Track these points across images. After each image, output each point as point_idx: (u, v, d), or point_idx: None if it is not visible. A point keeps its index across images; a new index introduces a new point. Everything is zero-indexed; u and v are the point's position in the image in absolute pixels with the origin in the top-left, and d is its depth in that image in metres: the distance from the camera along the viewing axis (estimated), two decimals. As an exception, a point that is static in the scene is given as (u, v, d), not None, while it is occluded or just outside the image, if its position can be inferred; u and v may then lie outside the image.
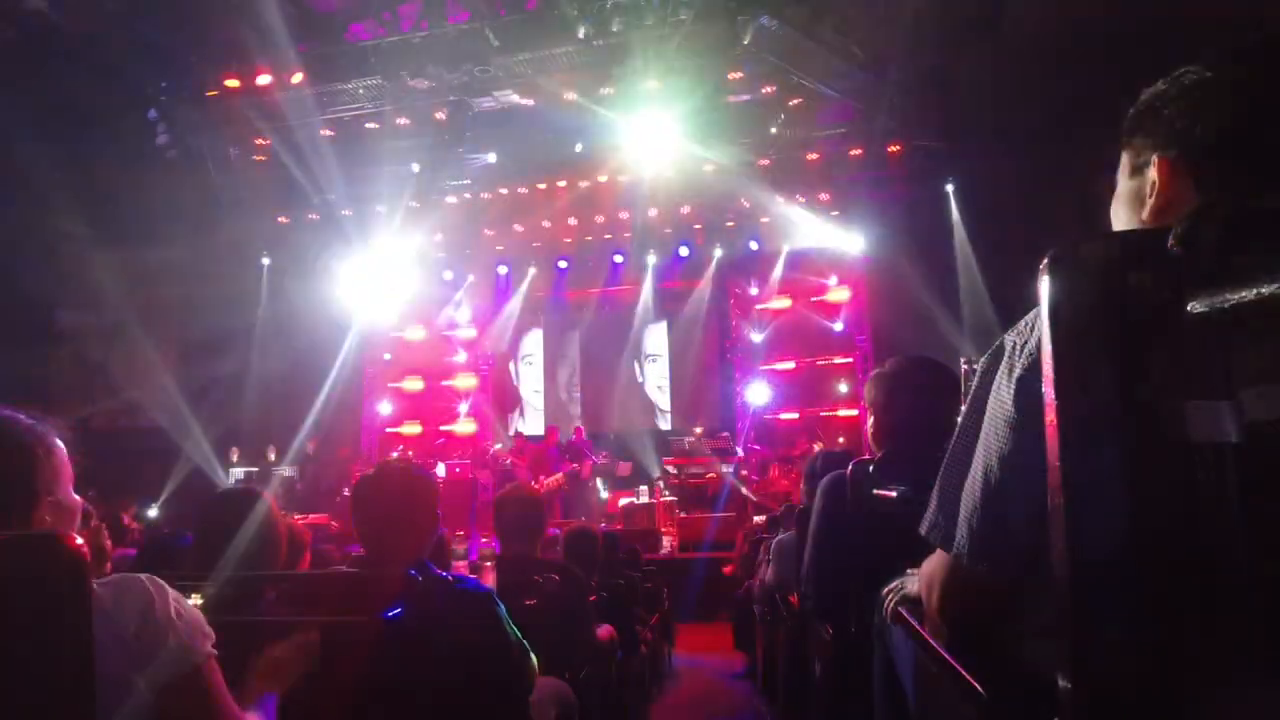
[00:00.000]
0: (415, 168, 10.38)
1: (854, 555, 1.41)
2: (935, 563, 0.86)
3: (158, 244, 10.89)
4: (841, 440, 10.93)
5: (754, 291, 12.55)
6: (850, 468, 1.49)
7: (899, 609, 0.96)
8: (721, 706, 4.47)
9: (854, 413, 11.75)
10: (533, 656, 1.99)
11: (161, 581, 1.11)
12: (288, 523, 2.33)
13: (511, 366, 13.47)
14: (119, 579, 1.09)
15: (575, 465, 10.63)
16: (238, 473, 11.71)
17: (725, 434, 11.56)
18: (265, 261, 11.80)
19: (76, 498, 1.23)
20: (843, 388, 11.94)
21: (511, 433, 12.68)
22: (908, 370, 1.58)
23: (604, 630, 2.80)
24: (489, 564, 2.36)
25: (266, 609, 1.66)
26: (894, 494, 1.26)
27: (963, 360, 1.33)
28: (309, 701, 1.51)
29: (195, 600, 1.62)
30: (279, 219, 10.99)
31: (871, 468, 1.43)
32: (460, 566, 2.74)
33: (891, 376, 1.60)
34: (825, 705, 1.59)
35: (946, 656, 0.77)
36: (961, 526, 0.80)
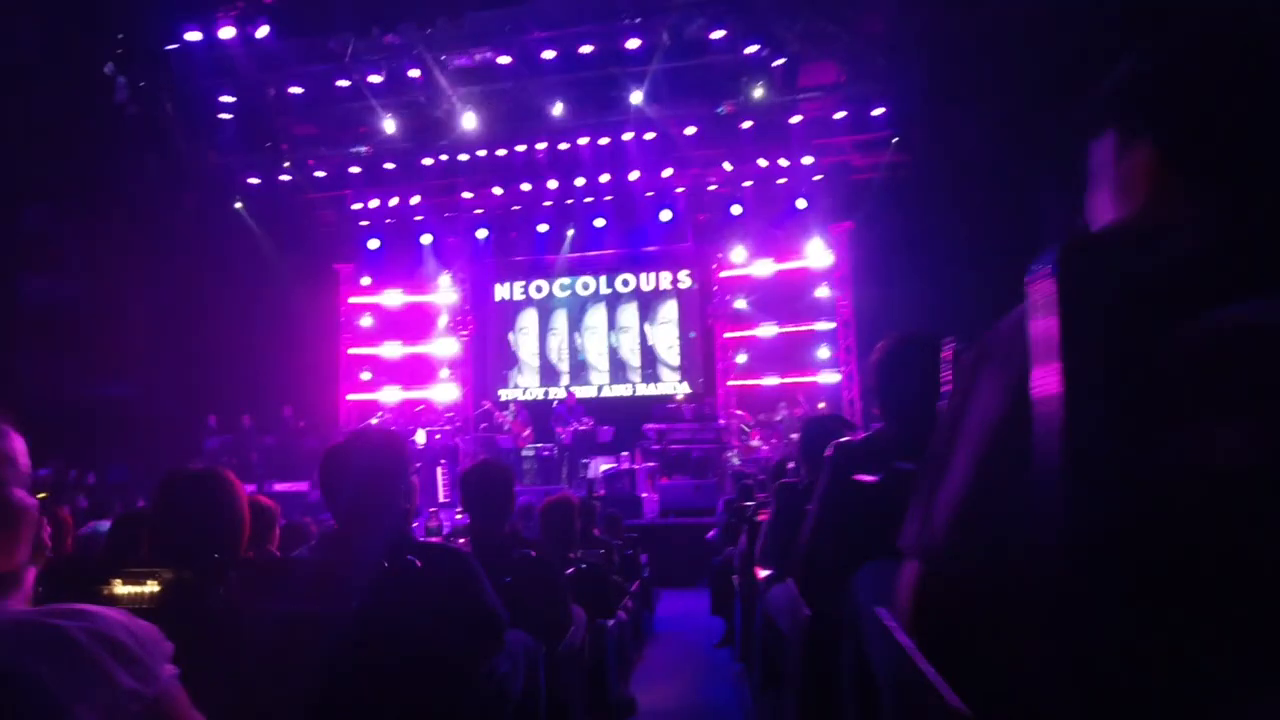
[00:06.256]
0: (389, 128, 10.10)
1: (837, 538, 1.38)
2: (909, 572, 0.82)
3: (124, 205, 10.58)
4: (822, 405, 10.99)
5: (736, 256, 12.47)
6: (833, 449, 1.45)
7: (879, 611, 0.92)
8: (701, 672, 4.52)
9: (836, 378, 11.82)
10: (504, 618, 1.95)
11: (95, 611, 0.90)
12: (254, 500, 2.27)
13: (511, 337, 13.39)
14: (46, 611, 0.88)
15: (581, 426, 10.63)
16: (215, 440, 11.59)
17: (707, 399, 11.58)
18: (238, 205, 11.48)
19: (29, 499, 1.14)
20: (824, 353, 11.97)
21: (504, 402, 12.60)
22: (900, 348, 1.51)
23: (578, 612, 2.79)
24: (462, 540, 2.32)
25: (228, 595, 1.61)
26: (875, 479, 1.22)
27: (946, 343, 1.29)
28: (277, 687, 1.47)
29: (151, 588, 1.57)
30: (249, 180, 10.67)
31: (857, 449, 1.39)
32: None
33: (884, 354, 1.53)
34: (798, 688, 1.58)
35: (929, 671, 0.73)
36: (938, 534, 0.76)
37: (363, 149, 10.35)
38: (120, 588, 1.56)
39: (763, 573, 2.64)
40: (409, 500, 1.65)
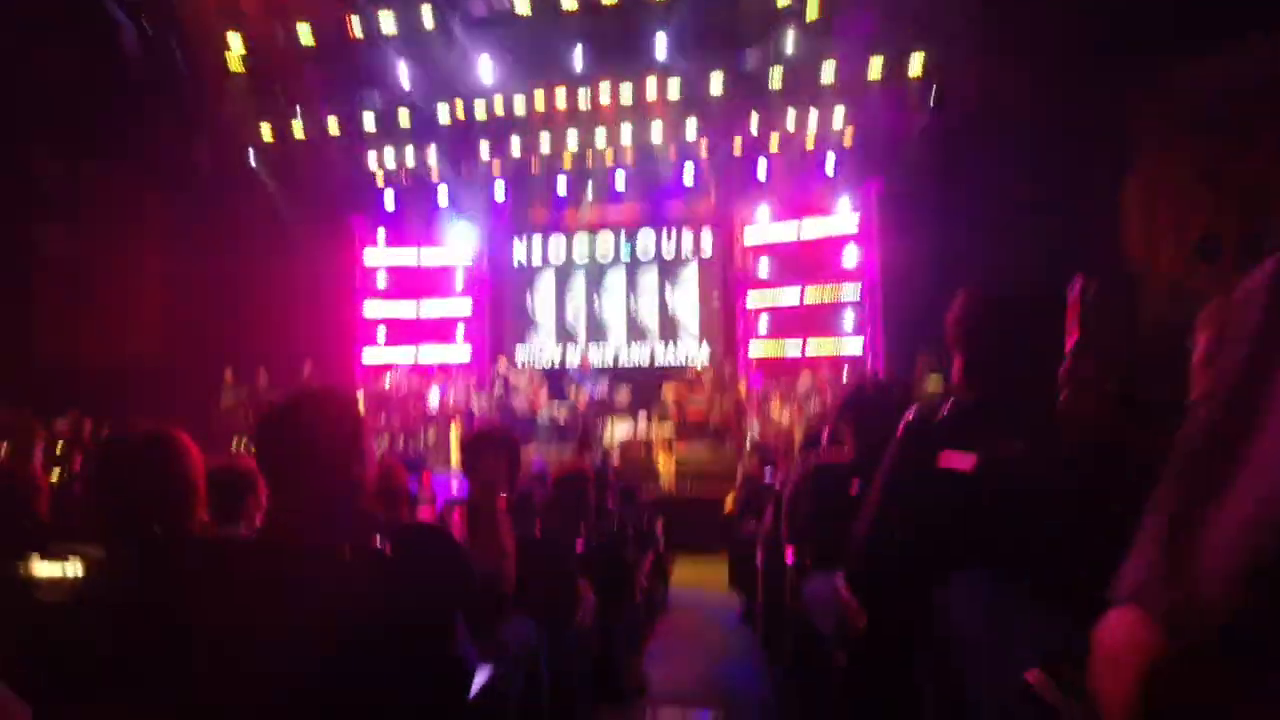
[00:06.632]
0: (403, 77, 9.73)
1: (910, 534, 1.08)
2: (1129, 633, 0.52)
3: (136, 156, 10.37)
4: (847, 373, 10.64)
5: (760, 217, 12.03)
6: (910, 422, 1.14)
7: (1031, 675, 0.64)
8: (717, 650, 4.31)
9: (860, 346, 11.45)
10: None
11: None
12: (226, 467, 2.02)
13: (528, 297, 13.11)
14: None
15: (597, 391, 10.42)
16: (230, 395, 11.54)
17: (727, 365, 11.28)
18: (251, 156, 11.19)
19: None
20: (850, 319, 11.57)
21: (520, 364, 12.36)
22: (1000, 298, 1.17)
23: (584, 590, 2.53)
24: (456, 513, 2.07)
25: (170, 581, 1.36)
26: (971, 464, 0.93)
27: (1076, 284, 0.98)
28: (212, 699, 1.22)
29: (73, 568, 1.32)
30: (261, 131, 10.37)
31: (940, 424, 1.08)
32: (426, 512, 2.46)
33: (976, 306, 1.20)
34: (845, 704, 1.31)
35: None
36: (1214, 583, 0.46)
37: (377, 99, 10.00)
38: (40, 566, 1.32)
39: (790, 552, 2.37)
40: (362, 469, 1.37)
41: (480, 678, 1.54)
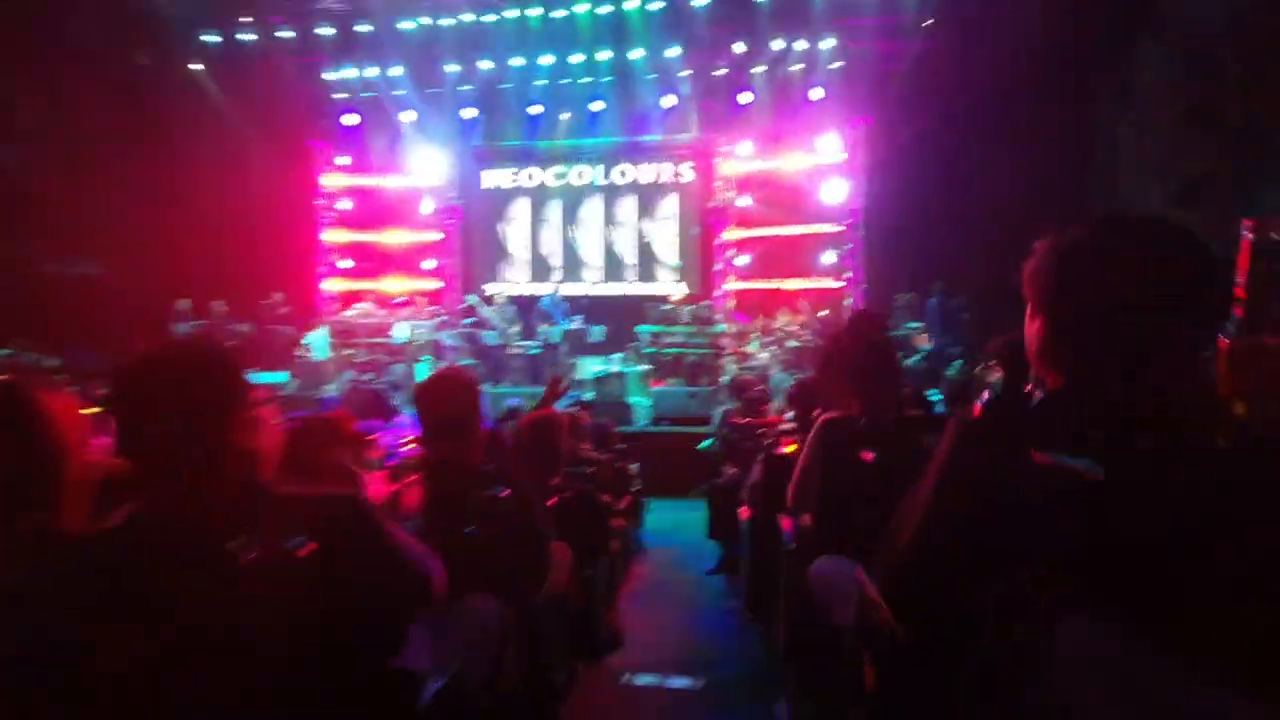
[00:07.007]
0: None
1: (982, 550, 0.82)
2: None
3: (74, 62, 9.53)
4: (826, 313, 10.45)
5: (742, 149, 11.56)
6: (985, 407, 0.88)
7: None
8: (694, 602, 4.18)
9: (840, 284, 11.24)
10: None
11: None
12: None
13: (500, 227, 12.56)
14: None
15: (570, 325, 10.10)
16: (185, 325, 10.98)
17: (705, 302, 11.01)
18: (198, 67, 10.28)
19: None
20: (830, 257, 11.31)
21: (490, 293, 11.91)
22: (1126, 241, 0.87)
23: (559, 550, 2.30)
24: (413, 477, 1.81)
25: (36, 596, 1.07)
26: (1078, 466, 0.68)
27: (1248, 226, 0.72)
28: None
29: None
30: (206, 38, 9.55)
31: (1029, 417, 0.81)
32: (378, 477, 2.18)
33: (1080, 250, 0.88)
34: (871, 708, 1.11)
35: None
36: None
37: (332, 4, 9.22)
38: None
39: (789, 519, 2.16)
40: (249, 437, 1.08)
41: (435, 682, 1.31)
